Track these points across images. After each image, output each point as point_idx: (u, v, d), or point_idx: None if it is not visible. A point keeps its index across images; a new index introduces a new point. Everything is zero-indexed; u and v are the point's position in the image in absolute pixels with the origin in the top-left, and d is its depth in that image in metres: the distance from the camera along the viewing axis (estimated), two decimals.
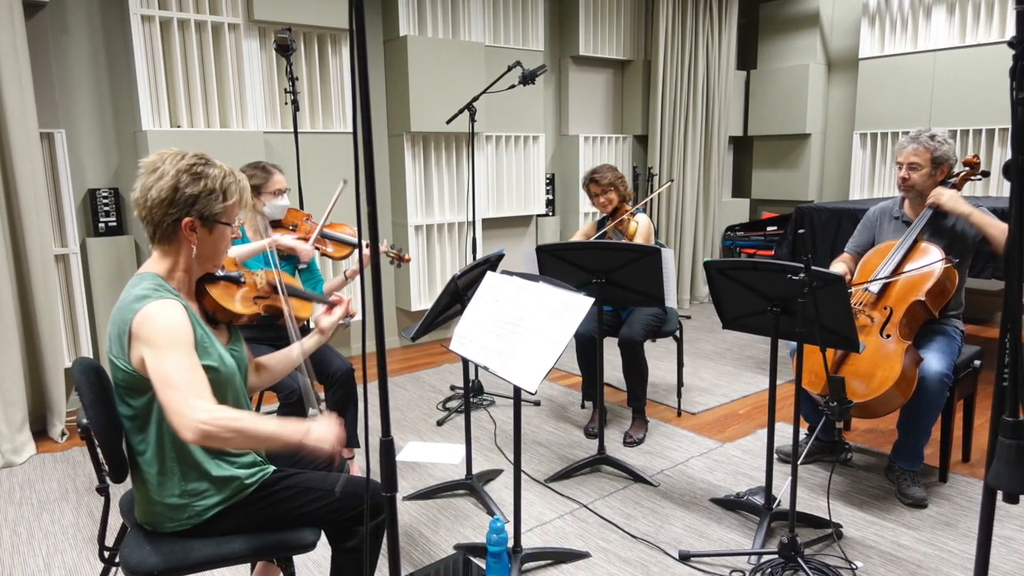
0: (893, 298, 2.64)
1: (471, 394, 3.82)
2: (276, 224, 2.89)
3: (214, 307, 1.66)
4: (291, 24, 4.06)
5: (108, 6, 3.74)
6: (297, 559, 2.22)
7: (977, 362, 2.87)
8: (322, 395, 2.87)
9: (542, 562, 2.36)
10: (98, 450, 1.63)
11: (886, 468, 2.89)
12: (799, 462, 2.98)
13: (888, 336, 2.55)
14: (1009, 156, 1.18)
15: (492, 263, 2.67)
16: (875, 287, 2.69)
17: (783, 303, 2.23)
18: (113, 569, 1.77)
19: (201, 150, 1.62)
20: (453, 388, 4.12)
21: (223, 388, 1.58)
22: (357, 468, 2.99)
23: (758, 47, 6.70)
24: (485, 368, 2.02)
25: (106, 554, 1.76)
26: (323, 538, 1.73)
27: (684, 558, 2.36)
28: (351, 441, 2.84)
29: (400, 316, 5.11)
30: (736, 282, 2.32)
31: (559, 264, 2.91)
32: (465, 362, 2.75)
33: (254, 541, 1.62)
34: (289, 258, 2.85)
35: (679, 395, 3.75)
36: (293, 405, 2.61)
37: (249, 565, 2.16)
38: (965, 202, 2.64)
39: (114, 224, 3.85)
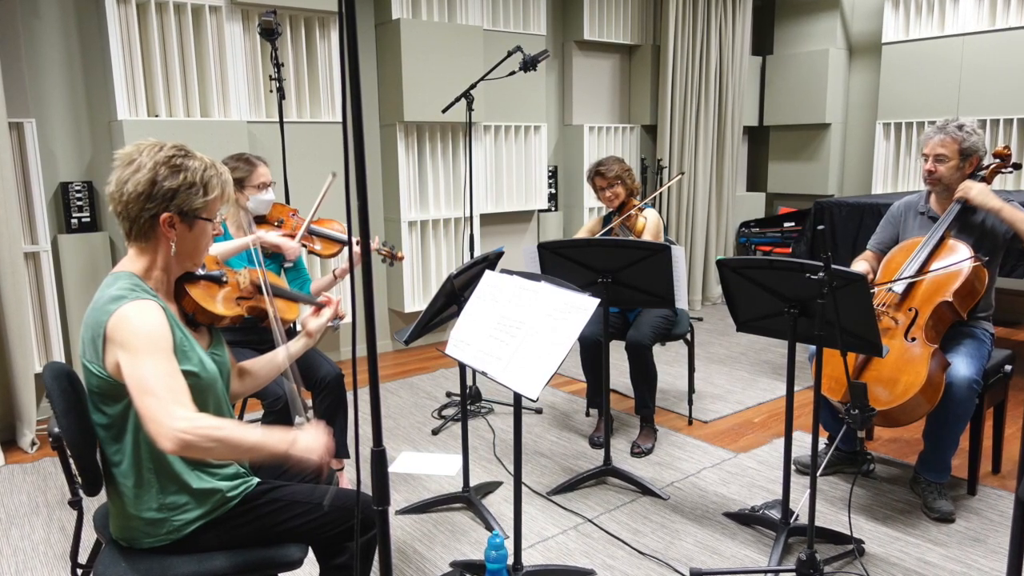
0: (918, 299, 2.64)
1: (468, 401, 3.83)
2: (260, 220, 2.89)
3: (194, 308, 1.66)
4: (276, 6, 4.06)
5: None
6: None
7: (1008, 367, 2.87)
8: (309, 402, 2.87)
9: None
10: (70, 461, 1.63)
11: (911, 480, 2.89)
12: (818, 474, 2.99)
13: (913, 339, 2.56)
14: None
15: (491, 261, 2.67)
16: (899, 287, 2.69)
17: (801, 304, 2.23)
18: None
19: (180, 141, 1.62)
20: (449, 395, 4.12)
21: (204, 395, 1.58)
22: (347, 480, 2.99)
23: (774, 31, 6.70)
24: (483, 373, 2.02)
25: (79, 572, 1.76)
26: (310, 555, 1.73)
27: None
28: (340, 451, 2.84)
29: (393, 318, 5.11)
30: (751, 282, 2.32)
31: (562, 262, 2.92)
32: (462, 367, 2.75)
33: (237, 558, 1.62)
34: (274, 256, 2.85)
35: (690, 402, 3.75)
36: (278, 413, 2.61)
37: None
38: (995, 196, 2.64)
39: (87, 220, 3.85)
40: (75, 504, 1.69)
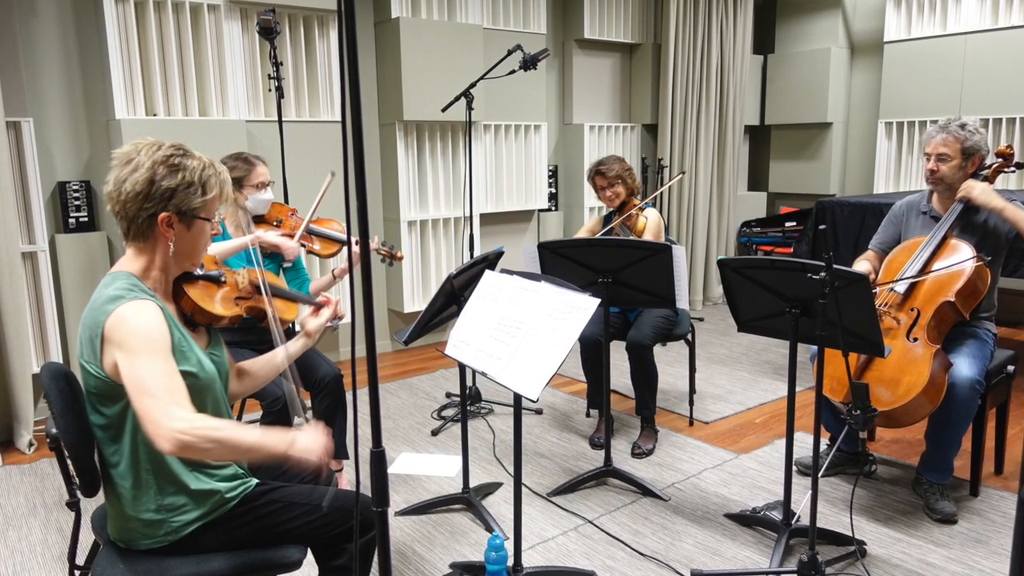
0: (921, 299, 2.64)
1: (468, 402, 3.82)
2: (259, 219, 2.89)
3: (192, 308, 1.66)
4: (275, 5, 4.06)
5: None
6: None
7: (1011, 367, 2.87)
8: (308, 403, 2.87)
9: None
10: (68, 462, 1.63)
11: (913, 481, 2.89)
12: (820, 475, 2.99)
13: (915, 339, 2.56)
14: None
15: (491, 261, 2.67)
16: (901, 287, 2.69)
17: (803, 304, 2.23)
18: None
19: (179, 140, 1.62)
20: (449, 395, 4.12)
21: (202, 395, 1.59)
22: (346, 481, 2.99)
23: (776, 30, 6.70)
24: (483, 374, 2.02)
25: (77, 573, 1.76)
26: (309, 556, 1.73)
27: None
28: (339, 452, 2.84)
29: (392, 318, 5.11)
30: (752, 282, 2.32)
31: (562, 262, 2.92)
32: (462, 367, 2.75)
33: (235, 559, 1.62)
34: (273, 256, 2.85)
35: (691, 403, 3.75)
36: (277, 413, 2.61)
37: None
38: (998, 196, 2.64)
39: (85, 220, 3.85)
40: (73, 505, 1.69)
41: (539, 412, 3.87)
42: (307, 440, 1.52)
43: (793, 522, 2.49)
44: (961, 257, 2.63)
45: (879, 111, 6.03)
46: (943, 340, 2.62)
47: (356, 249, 1.48)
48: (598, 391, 3.47)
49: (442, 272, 5.04)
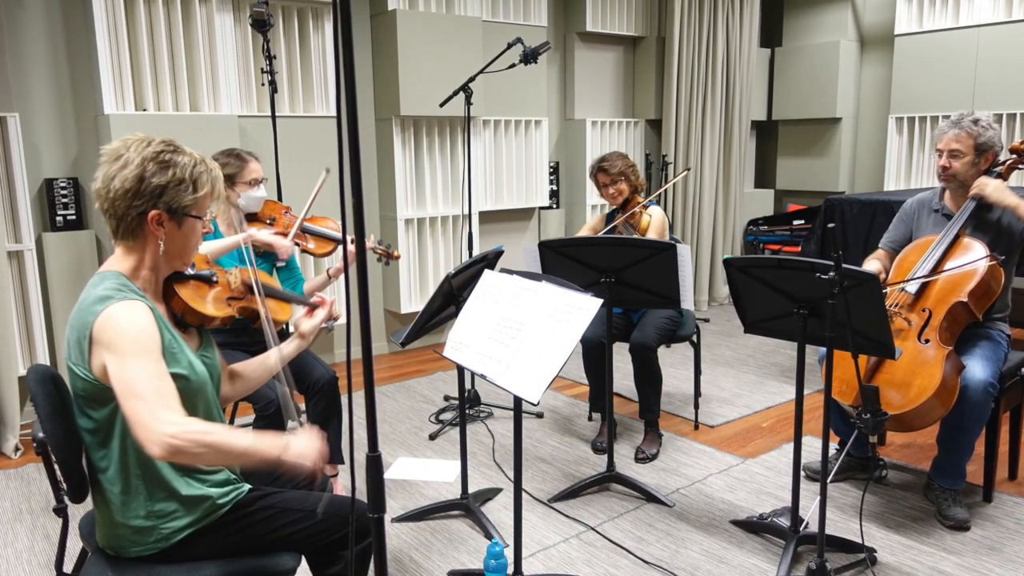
0: (932, 299, 2.64)
1: (467, 405, 3.82)
2: (252, 217, 2.89)
3: (183, 309, 1.66)
4: None
5: None
6: None
7: None
8: (302, 406, 2.87)
9: None
10: (55, 467, 1.63)
11: (924, 487, 2.89)
12: (829, 480, 2.99)
13: (927, 341, 2.56)
14: None
15: (490, 261, 2.67)
16: (912, 287, 2.69)
17: (811, 305, 2.23)
18: None
19: (169, 136, 1.62)
20: (447, 398, 4.12)
21: (193, 398, 1.58)
22: (341, 487, 2.99)
23: (783, 22, 6.70)
24: (482, 376, 2.02)
25: None
26: (303, 564, 1.73)
27: None
28: (334, 457, 2.84)
29: (389, 319, 5.11)
30: (759, 281, 2.32)
31: (564, 261, 2.92)
32: (460, 370, 2.75)
33: (228, 567, 1.62)
34: (266, 255, 2.85)
35: (696, 406, 3.75)
36: (270, 417, 2.61)
37: None
38: (1012, 193, 2.64)
39: (73, 217, 3.85)
40: (60, 511, 1.69)
41: (540, 416, 3.87)
42: (301, 444, 1.52)
43: (801, 529, 2.49)
44: (974, 256, 2.63)
45: (890, 106, 6.03)
46: (955, 341, 2.62)
47: (352, 248, 1.48)
48: (600, 394, 3.47)
49: (440, 272, 5.04)
